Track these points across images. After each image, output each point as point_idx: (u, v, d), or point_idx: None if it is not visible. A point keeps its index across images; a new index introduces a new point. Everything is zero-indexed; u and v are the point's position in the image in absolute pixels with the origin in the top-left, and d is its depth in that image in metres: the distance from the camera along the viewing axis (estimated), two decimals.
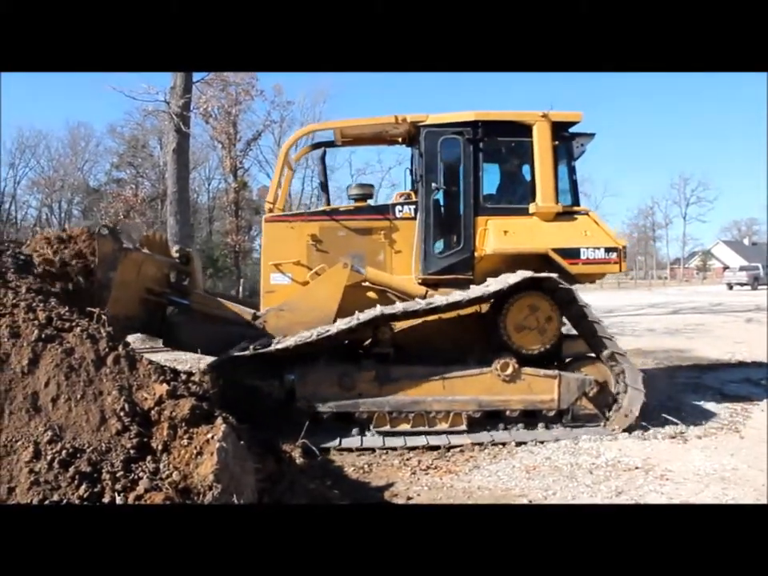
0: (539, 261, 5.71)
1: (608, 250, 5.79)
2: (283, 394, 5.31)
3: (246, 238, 27.81)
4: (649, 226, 73.17)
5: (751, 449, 4.98)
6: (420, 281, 5.98)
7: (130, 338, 4.27)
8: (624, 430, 5.39)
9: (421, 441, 5.21)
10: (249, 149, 28.61)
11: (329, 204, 6.93)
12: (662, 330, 14.18)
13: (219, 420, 3.06)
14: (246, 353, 5.15)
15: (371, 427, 5.34)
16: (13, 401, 2.79)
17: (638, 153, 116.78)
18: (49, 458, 2.55)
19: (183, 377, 3.71)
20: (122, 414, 2.85)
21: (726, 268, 52.84)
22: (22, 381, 2.87)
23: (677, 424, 5.66)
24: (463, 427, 5.36)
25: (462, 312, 5.75)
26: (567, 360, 5.82)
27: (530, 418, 5.52)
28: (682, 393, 7.25)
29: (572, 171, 6.11)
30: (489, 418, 5.48)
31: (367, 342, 5.81)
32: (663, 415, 5.84)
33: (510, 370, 5.36)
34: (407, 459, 4.92)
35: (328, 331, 5.21)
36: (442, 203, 6.16)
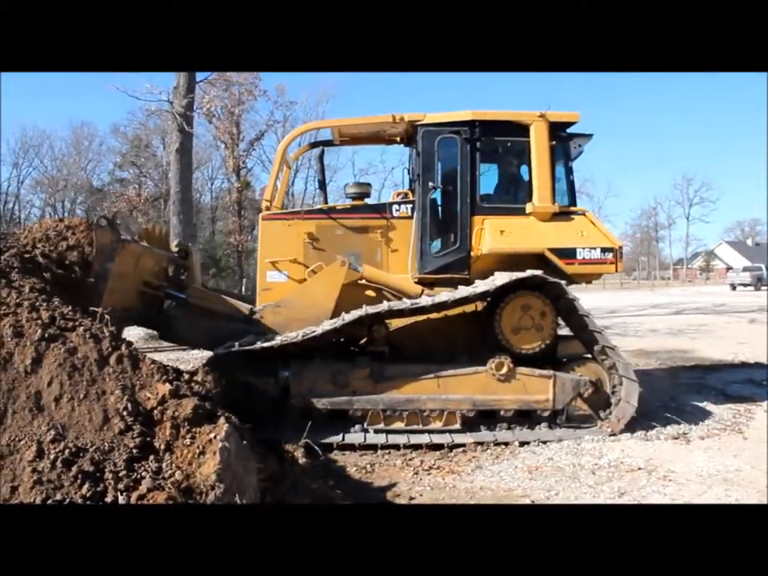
0: (535, 261, 5.69)
1: (604, 250, 5.77)
2: (278, 391, 5.30)
3: (248, 237, 27.82)
4: (652, 227, 73.24)
5: (754, 450, 4.96)
6: (416, 280, 5.97)
7: (132, 338, 4.27)
8: (625, 426, 5.34)
9: (424, 438, 5.20)
10: (252, 149, 28.80)
11: (326, 202, 6.94)
12: (665, 331, 14.14)
13: (222, 420, 3.07)
14: (232, 349, 5.14)
15: (365, 425, 5.32)
16: (16, 400, 2.81)
17: (639, 153, 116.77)
18: (52, 457, 2.56)
19: (186, 376, 3.73)
20: (124, 413, 2.86)
21: (729, 268, 52.75)
22: (25, 380, 2.89)
23: (680, 424, 5.65)
24: (457, 426, 5.33)
25: (454, 312, 5.74)
26: (562, 361, 5.78)
27: (525, 418, 5.48)
28: (684, 393, 7.23)
29: (569, 171, 6.10)
30: (483, 418, 5.46)
31: (363, 340, 5.81)
32: (666, 414, 5.83)
33: (504, 370, 5.34)
34: (410, 459, 4.92)
35: (314, 332, 5.20)
36: (438, 202, 6.14)
